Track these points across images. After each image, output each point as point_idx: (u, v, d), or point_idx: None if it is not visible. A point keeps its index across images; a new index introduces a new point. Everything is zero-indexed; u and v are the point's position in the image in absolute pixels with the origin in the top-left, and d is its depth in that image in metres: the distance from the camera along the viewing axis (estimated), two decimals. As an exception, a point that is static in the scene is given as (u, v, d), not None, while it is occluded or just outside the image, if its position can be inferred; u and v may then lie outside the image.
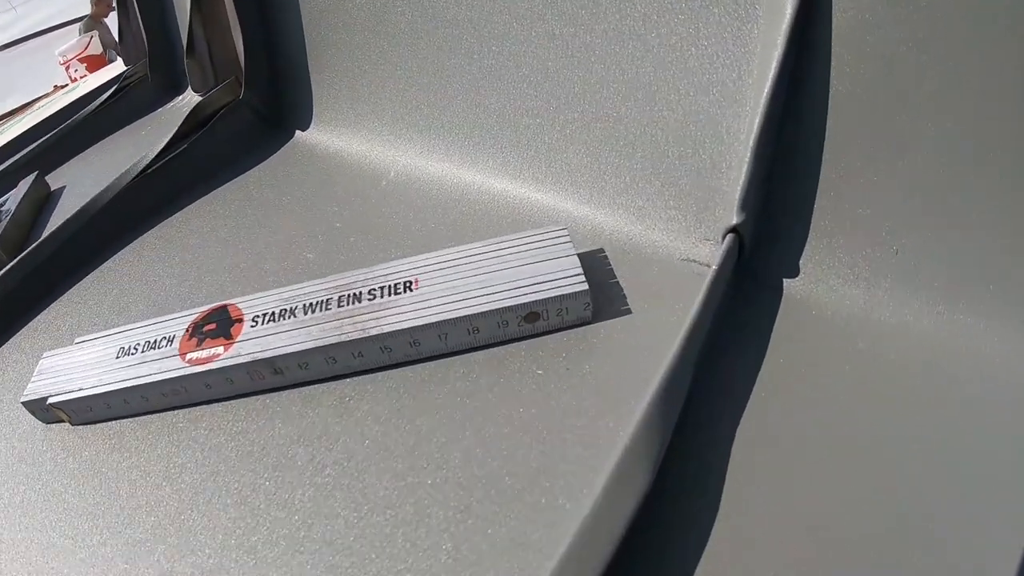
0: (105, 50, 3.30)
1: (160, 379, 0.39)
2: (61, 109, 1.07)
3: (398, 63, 0.56)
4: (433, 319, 0.36)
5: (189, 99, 0.86)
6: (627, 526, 0.24)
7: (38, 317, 0.54)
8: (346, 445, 0.34)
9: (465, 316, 0.36)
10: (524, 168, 0.47)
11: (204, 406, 0.39)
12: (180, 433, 0.38)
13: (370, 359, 0.37)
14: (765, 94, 0.33)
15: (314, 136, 0.66)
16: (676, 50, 0.39)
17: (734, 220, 0.33)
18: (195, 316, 0.42)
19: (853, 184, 0.32)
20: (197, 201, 0.63)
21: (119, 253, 0.60)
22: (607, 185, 0.42)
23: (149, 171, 0.64)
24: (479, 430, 0.32)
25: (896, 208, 0.31)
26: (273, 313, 0.40)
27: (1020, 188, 0.28)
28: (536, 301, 0.35)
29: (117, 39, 1.07)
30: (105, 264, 0.59)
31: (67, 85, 1.80)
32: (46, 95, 1.54)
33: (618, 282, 0.37)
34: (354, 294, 0.40)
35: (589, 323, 0.36)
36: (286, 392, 0.38)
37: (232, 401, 0.39)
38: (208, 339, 0.40)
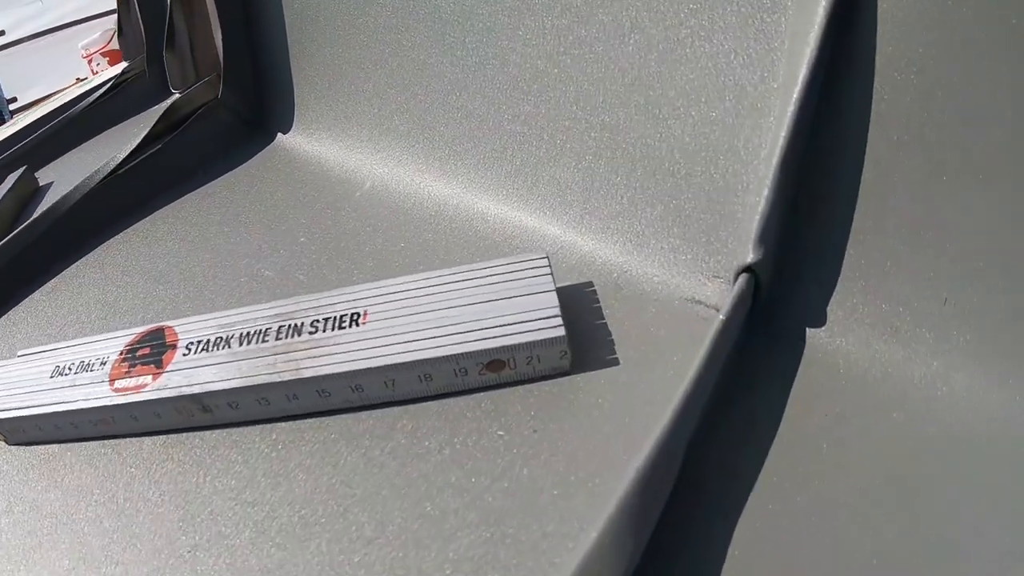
0: (129, 44, 3.42)
1: (86, 407, 0.37)
2: (62, 104, 1.07)
3: (379, 60, 0.54)
4: (378, 362, 0.32)
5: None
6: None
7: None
8: (271, 506, 0.31)
9: (415, 361, 0.31)
10: (506, 182, 0.44)
11: (133, 438, 0.37)
12: (102, 466, 0.36)
13: (306, 403, 0.34)
14: (793, 100, 0.30)
15: (295, 140, 0.65)
16: (685, 46, 0.36)
17: (750, 257, 0.30)
18: (132, 337, 0.40)
19: (898, 214, 0.29)
20: (166, 207, 0.63)
21: (81, 259, 0.59)
22: (600, 206, 0.39)
23: (118, 173, 0.64)
24: (421, 502, 0.28)
25: (950, 246, 0.27)
26: (208, 341, 0.38)
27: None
28: (501, 347, 0.31)
29: (116, 32, 1.06)
30: (67, 271, 0.59)
31: (87, 78, 1.85)
32: (65, 88, 1.57)
33: (606, 324, 0.34)
34: (295, 325, 0.36)
35: (567, 374, 0.32)
36: (216, 432, 0.36)
37: (159, 436, 0.37)
38: (139, 365, 0.38)
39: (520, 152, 0.43)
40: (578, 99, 0.40)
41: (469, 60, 0.46)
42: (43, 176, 0.82)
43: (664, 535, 0.24)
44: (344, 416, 0.34)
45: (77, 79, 2.24)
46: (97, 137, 0.90)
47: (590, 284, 0.36)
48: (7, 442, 0.40)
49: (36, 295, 0.56)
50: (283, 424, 0.35)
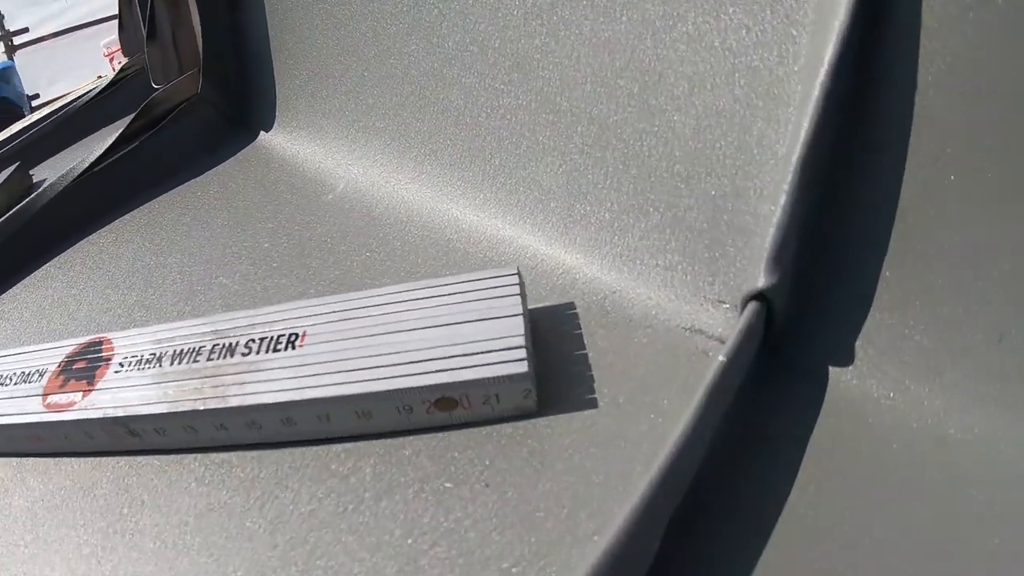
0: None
1: (17, 421, 0.36)
2: (64, 103, 1.10)
3: (358, 50, 0.52)
4: (309, 393, 0.29)
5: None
6: None
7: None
8: (191, 558, 0.29)
9: (351, 395, 0.28)
10: (483, 185, 0.41)
11: (64, 458, 0.37)
12: (32, 484, 0.36)
13: (236, 434, 0.31)
14: (818, 85, 0.27)
15: (276, 139, 0.63)
16: (687, 22, 0.33)
17: (761, 280, 0.27)
18: (73, 348, 0.38)
19: (942, 232, 0.26)
20: (141, 207, 0.62)
21: (52, 260, 0.59)
22: (586, 214, 0.36)
23: (93, 172, 0.63)
24: (350, 559, 0.26)
25: (1005, 273, 0.25)
26: (141, 358, 0.36)
27: None
28: (452, 383, 0.27)
29: (117, 29, 1.07)
30: (36, 272, 0.58)
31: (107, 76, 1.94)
32: (86, 86, 1.65)
33: (586, 355, 0.31)
34: (229, 345, 0.33)
35: (533, 416, 0.29)
36: (146, 457, 0.35)
37: (90, 458, 0.36)
38: (73, 380, 0.36)
39: (499, 151, 0.41)
40: (563, 88, 0.38)
41: (445, 46, 0.44)
42: (38, 173, 0.82)
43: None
44: (280, 451, 0.31)
45: (99, 77, 2.33)
46: (95, 134, 0.90)
47: (571, 306, 0.33)
48: None
49: (3, 297, 0.56)
50: (214, 455, 0.32)
